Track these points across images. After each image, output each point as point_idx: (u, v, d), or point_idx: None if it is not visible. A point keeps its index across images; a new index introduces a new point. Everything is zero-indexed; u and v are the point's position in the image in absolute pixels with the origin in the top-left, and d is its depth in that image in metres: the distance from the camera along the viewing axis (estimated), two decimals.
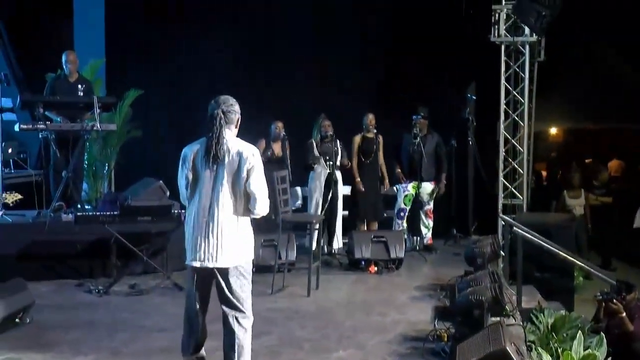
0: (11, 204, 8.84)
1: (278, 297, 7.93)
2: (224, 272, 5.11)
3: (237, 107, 5.22)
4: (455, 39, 11.32)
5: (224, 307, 5.13)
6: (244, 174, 5.08)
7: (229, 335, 5.12)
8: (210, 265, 5.09)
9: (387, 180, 10.84)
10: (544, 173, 16.22)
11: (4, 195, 8.79)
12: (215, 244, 5.06)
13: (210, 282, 5.20)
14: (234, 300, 5.11)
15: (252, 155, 5.11)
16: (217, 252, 5.06)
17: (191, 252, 5.15)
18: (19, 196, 8.77)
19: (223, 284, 5.12)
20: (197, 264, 5.12)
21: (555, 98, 13.10)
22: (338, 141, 10.37)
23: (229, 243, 5.08)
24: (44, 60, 11.35)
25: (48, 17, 12.51)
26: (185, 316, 5.32)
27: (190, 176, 5.18)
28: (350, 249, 9.73)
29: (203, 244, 5.08)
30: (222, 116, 5.10)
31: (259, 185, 5.14)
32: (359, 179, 10.58)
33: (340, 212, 10.59)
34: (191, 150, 5.21)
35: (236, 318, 5.10)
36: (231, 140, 5.12)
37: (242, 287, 5.16)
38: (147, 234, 9.06)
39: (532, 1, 10.12)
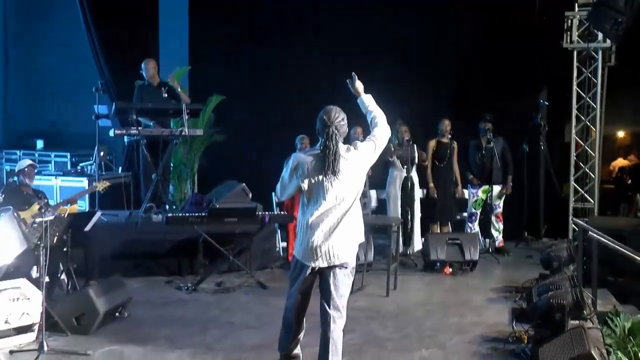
0: (101, 191, 9.02)
1: (358, 296, 7.94)
2: (334, 272, 5.19)
3: (344, 119, 5.28)
4: (528, 45, 11.24)
5: (325, 306, 5.20)
6: (358, 174, 5.23)
7: (326, 333, 5.18)
8: (324, 264, 5.19)
9: (459, 186, 10.85)
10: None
11: (94, 184, 9.02)
12: (331, 244, 5.15)
13: (314, 281, 5.28)
14: (337, 299, 5.19)
15: (357, 155, 5.26)
16: (330, 251, 5.15)
17: (306, 253, 5.22)
18: (108, 184, 9.00)
19: (331, 283, 5.19)
20: (310, 264, 5.20)
21: (625, 102, 12.90)
22: (415, 146, 10.44)
23: (341, 243, 5.18)
24: (133, 69, 11.58)
25: (136, 29, 12.74)
26: (285, 314, 5.38)
27: (305, 185, 5.23)
28: (425, 251, 9.76)
29: (319, 246, 5.16)
30: (336, 132, 5.18)
31: (374, 147, 5.38)
32: (432, 185, 10.65)
33: (418, 215, 10.62)
34: (305, 161, 5.25)
35: (334, 318, 5.16)
36: (343, 152, 5.21)
37: (346, 286, 5.26)
38: (232, 235, 9.19)
39: (609, 8, 10.00)
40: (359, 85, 5.68)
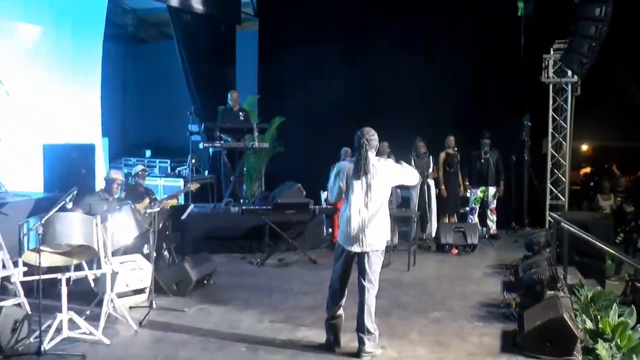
0: (193, 190, 9.11)
1: (386, 270, 7.80)
2: (368, 254, 5.20)
3: (375, 136, 5.30)
4: (515, 79, 11.18)
5: (361, 279, 5.23)
6: (384, 181, 5.23)
7: (362, 300, 5.22)
8: (358, 249, 5.20)
9: (462, 187, 10.80)
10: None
11: (188, 185, 9.13)
12: (365, 234, 5.17)
13: (353, 260, 5.29)
14: (370, 274, 5.21)
15: (385, 165, 5.27)
16: (365, 239, 5.17)
17: (346, 239, 5.24)
18: (198, 185, 9.09)
19: (365, 262, 5.21)
20: (349, 248, 5.22)
21: (588, 123, 12.77)
22: (431, 157, 10.45)
23: (374, 233, 5.18)
24: (216, 97, 11.75)
25: (218, 67, 12.89)
26: (331, 284, 5.39)
27: (344, 185, 5.28)
28: (437, 236, 9.75)
29: (356, 234, 5.18)
30: (367, 143, 5.22)
31: (399, 173, 5.37)
32: (443, 187, 10.62)
33: (435, 208, 10.57)
34: (344, 167, 5.31)
35: (368, 288, 5.20)
36: (373, 159, 5.24)
37: (378, 265, 5.27)
38: (290, 223, 9.25)
39: (576, 52, 9.95)
40: None
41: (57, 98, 10.20)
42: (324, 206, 9.73)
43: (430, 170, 10.45)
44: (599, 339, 5.29)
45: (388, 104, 11.66)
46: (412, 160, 10.16)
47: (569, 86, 11.33)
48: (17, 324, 5.20)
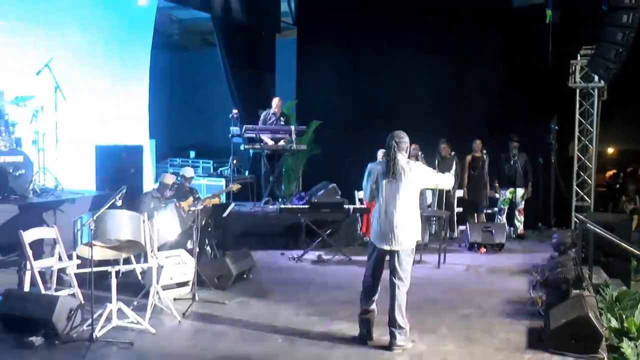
0: (235, 191, 9.17)
1: (417, 267, 7.75)
2: (398, 253, 5.18)
3: (406, 139, 5.25)
4: (544, 84, 11.02)
5: (392, 277, 5.22)
6: (413, 182, 5.18)
7: (393, 296, 5.22)
8: (388, 247, 5.19)
9: (488, 188, 10.66)
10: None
11: (230, 185, 9.19)
12: (395, 233, 5.14)
13: (384, 257, 5.28)
14: (400, 272, 5.19)
15: (414, 167, 5.22)
16: (396, 238, 5.14)
17: (377, 238, 5.23)
18: (239, 186, 9.14)
19: (395, 261, 5.19)
20: (380, 246, 5.21)
21: (614, 126, 12.53)
22: (455, 159, 10.33)
23: (403, 232, 5.15)
24: (256, 102, 11.83)
25: (258, 74, 12.95)
26: (364, 280, 5.38)
27: (374, 185, 5.28)
28: (466, 235, 9.65)
29: (386, 233, 5.16)
30: (395, 146, 5.20)
31: (430, 176, 5.34)
32: (466, 189, 10.54)
33: (455, 210, 10.48)
34: (375, 168, 5.32)
35: (399, 285, 5.19)
36: (402, 160, 5.20)
37: (408, 264, 5.24)
38: (326, 221, 9.22)
39: (603, 58, 9.78)
40: None
41: (108, 102, 10.43)
42: (358, 205, 9.73)
43: (452, 172, 10.28)
44: (624, 338, 5.21)
45: (419, 107, 11.59)
46: (437, 162, 10.07)
47: (596, 91, 11.16)
48: (72, 312, 5.35)
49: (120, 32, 10.84)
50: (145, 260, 6.11)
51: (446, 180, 5.55)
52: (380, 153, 9.75)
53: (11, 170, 7.17)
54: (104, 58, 10.46)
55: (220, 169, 13.08)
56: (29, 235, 5.88)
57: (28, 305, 5.36)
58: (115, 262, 5.71)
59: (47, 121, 8.25)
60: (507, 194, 10.54)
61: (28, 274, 5.84)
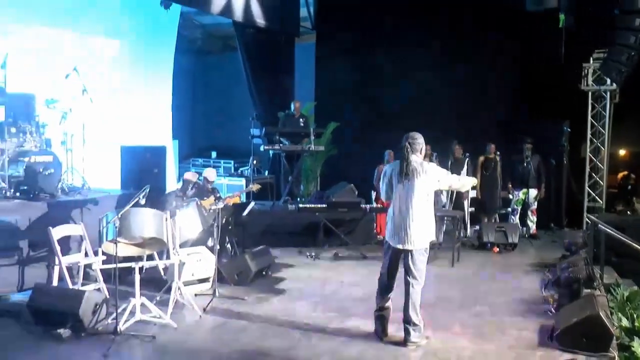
0: (255, 191, 9.11)
1: (431, 266, 7.68)
2: (411, 252, 5.15)
3: (420, 140, 5.20)
4: (556, 87, 10.90)
5: (406, 275, 5.19)
6: (427, 183, 5.14)
7: (407, 293, 5.19)
8: (402, 247, 5.15)
9: (500, 189, 10.54)
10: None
11: (250, 185, 9.20)
12: (408, 232, 5.10)
13: (400, 257, 5.25)
14: (414, 271, 5.16)
15: (428, 169, 5.16)
16: (409, 238, 5.11)
17: (392, 237, 5.20)
18: (259, 186, 9.10)
19: (409, 260, 5.17)
20: (395, 245, 5.18)
21: (626, 129, 12.37)
22: (467, 160, 10.23)
23: (417, 232, 5.11)
24: (276, 104, 11.83)
25: (278, 77, 12.94)
26: (380, 277, 5.38)
27: (388, 186, 5.26)
28: (480, 235, 9.55)
29: (400, 232, 5.13)
30: (409, 147, 5.15)
31: (444, 178, 5.28)
32: (478, 189, 10.38)
33: (468, 210, 10.37)
34: (390, 169, 5.30)
35: (413, 284, 5.16)
36: (415, 161, 5.16)
37: (422, 262, 5.20)
38: (343, 220, 9.22)
39: (615, 61, 9.64)
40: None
41: (133, 104, 10.52)
42: (374, 205, 9.69)
43: (462, 172, 10.21)
44: (634, 337, 5.13)
45: (434, 110, 11.52)
46: (449, 163, 9.99)
47: (608, 94, 11.01)
48: (97, 306, 5.39)
49: (144, 37, 10.93)
50: (168, 257, 6.13)
51: (461, 183, 5.50)
52: (388, 154, 9.73)
53: (41, 170, 7.27)
54: (129, 62, 10.56)
55: (241, 169, 13.11)
56: (57, 232, 5.94)
57: (56, 300, 5.42)
58: (139, 258, 5.76)
59: (75, 123, 8.34)
60: (520, 194, 10.43)
61: (56, 269, 5.92)
